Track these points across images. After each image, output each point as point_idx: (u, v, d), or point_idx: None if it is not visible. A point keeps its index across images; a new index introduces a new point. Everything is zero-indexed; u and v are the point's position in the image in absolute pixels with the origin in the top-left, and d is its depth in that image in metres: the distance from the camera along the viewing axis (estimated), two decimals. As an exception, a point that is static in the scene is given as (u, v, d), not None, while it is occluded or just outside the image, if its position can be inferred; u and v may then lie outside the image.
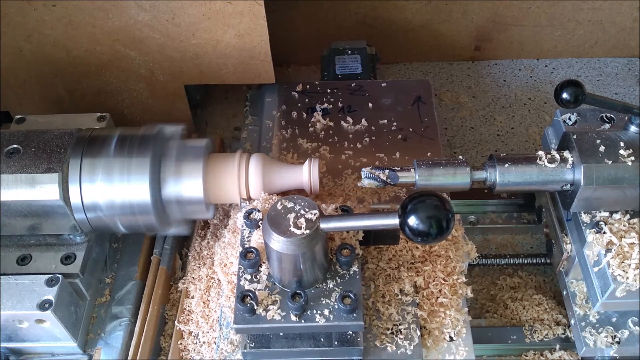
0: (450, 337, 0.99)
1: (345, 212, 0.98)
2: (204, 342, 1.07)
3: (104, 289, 1.13)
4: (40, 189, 0.98)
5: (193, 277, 1.15)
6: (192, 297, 1.12)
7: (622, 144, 1.00)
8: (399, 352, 0.94)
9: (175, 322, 1.10)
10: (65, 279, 1.00)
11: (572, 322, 1.08)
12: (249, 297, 0.89)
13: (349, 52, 1.51)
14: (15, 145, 1.02)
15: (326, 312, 0.89)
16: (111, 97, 1.37)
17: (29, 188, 0.98)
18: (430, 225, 0.79)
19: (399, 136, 1.23)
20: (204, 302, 1.10)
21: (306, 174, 1.04)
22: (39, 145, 1.02)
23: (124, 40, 1.25)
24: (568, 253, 1.09)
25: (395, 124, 1.25)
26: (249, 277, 0.92)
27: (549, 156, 1.01)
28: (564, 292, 1.12)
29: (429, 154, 1.19)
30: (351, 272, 0.93)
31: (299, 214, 0.88)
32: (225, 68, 1.31)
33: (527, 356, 1.17)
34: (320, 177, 1.04)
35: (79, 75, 1.32)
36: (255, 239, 0.96)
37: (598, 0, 1.69)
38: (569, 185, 1.01)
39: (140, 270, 1.15)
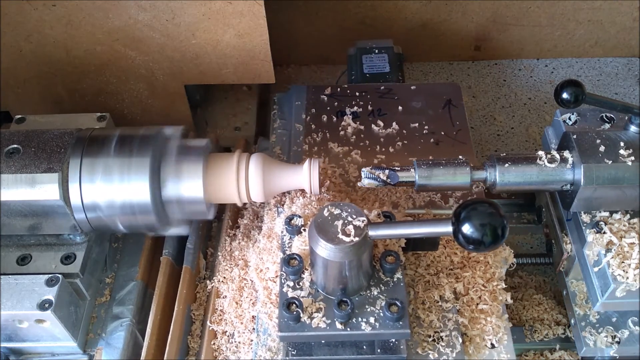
0: (492, 344, 0.97)
1: (388, 218, 0.97)
2: (239, 342, 1.06)
3: (104, 289, 1.13)
4: (40, 189, 0.98)
5: (224, 277, 1.13)
6: (223, 297, 1.11)
7: (622, 144, 1.00)
8: (441, 359, 0.93)
9: (208, 322, 1.09)
10: (65, 278, 1.00)
11: (572, 322, 1.08)
12: (294, 305, 0.88)
13: (376, 50, 1.50)
14: (15, 145, 1.02)
15: (372, 320, 0.88)
16: (111, 97, 1.37)
17: (29, 188, 0.98)
18: (485, 233, 0.78)
19: (431, 140, 1.21)
20: (236, 302, 1.09)
21: (306, 174, 1.04)
22: (39, 145, 1.01)
23: (123, 40, 1.25)
24: (568, 253, 1.09)
25: (426, 127, 1.23)
26: (291, 284, 0.91)
27: (549, 156, 1.01)
28: (564, 292, 1.12)
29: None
30: (395, 280, 0.92)
31: (346, 221, 0.86)
32: (225, 68, 1.31)
33: (527, 356, 1.16)
34: (320, 178, 1.04)
35: (79, 75, 1.32)
36: (297, 245, 0.95)
37: (598, 0, 1.69)
38: (569, 185, 1.01)
39: (142, 270, 1.15)
